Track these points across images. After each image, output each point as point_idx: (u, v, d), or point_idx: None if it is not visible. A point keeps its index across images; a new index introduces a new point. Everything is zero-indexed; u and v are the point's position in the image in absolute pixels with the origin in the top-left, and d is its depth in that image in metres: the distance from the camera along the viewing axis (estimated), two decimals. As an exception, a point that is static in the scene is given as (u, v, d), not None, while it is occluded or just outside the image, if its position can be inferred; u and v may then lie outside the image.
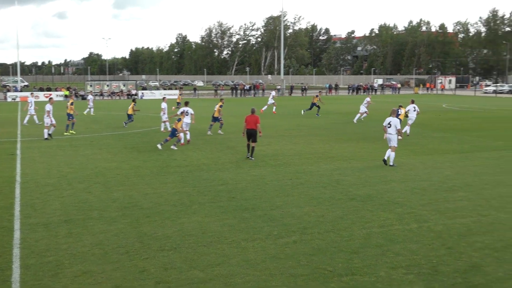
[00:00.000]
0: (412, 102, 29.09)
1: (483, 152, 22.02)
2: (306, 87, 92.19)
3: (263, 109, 43.61)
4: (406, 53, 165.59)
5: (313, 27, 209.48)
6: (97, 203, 13.44)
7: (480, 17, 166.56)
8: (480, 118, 38.80)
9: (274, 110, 43.68)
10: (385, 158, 18.74)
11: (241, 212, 12.58)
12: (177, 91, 78.14)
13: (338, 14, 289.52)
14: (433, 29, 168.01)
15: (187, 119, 24.84)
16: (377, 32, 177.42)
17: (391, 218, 12.05)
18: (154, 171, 17.66)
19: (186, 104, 25.61)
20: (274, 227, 11.38)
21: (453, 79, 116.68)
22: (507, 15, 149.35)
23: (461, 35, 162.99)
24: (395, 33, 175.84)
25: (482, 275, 8.76)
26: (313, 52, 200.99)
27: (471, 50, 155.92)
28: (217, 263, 9.32)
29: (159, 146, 22.74)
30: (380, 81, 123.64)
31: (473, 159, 20.17)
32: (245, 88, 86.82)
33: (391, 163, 18.54)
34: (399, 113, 27.30)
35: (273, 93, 46.71)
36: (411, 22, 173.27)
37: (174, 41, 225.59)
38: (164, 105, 28.88)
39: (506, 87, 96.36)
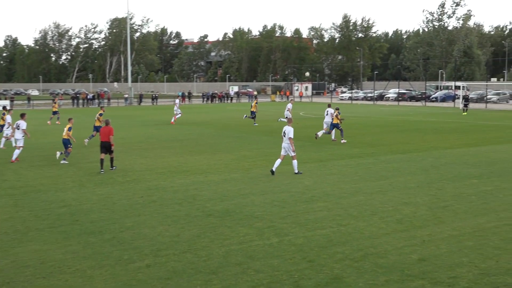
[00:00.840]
0: (329, 106, 31.47)
1: (340, 160, 23.34)
2: (157, 95, 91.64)
3: (173, 120, 43.66)
4: (261, 59, 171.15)
5: (163, 31, 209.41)
6: None
7: (333, 23, 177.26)
8: (337, 126, 41.06)
9: (173, 120, 43.93)
10: (273, 168, 19.60)
11: (86, 236, 12.14)
12: (7, 101, 73.70)
13: (190, 17, 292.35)
14: (288, 34, 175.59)
15: (18, 134, 23.62)
16: (231, 36, 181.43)
17: (250, 233, 12.31)
18: (-19, 195, 16.46)
19: (22, 116, 24.20)
20: (125, 251, 11.12)
21: (310, 85, 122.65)
22: (360, 21, 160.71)
23: (315, 41, 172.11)
24: (250, 37, 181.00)
25: (343, 287, 9.24)
26: (163, 57, 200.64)
27: (326, 56, 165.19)
28: (59, 296, 8.88)
29: (64, 162, 22.63)
30: (235, 89, 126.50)
31: (331, 167, 21.30)
32: (88, 97, 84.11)
33: (296, 171, 19.63)
34: (333, 115, 29.88)
35: (177, 101, 46.71)
36: (265, 26, 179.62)
37: (2, 44, 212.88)
38: (9, 118, 27.18)
39: (361, 94, 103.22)
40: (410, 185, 17.76)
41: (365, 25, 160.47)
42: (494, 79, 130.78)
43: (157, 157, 24.55)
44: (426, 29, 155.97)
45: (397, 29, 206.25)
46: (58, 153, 23.28)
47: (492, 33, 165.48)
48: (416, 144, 28.91)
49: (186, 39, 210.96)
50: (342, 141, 29.37)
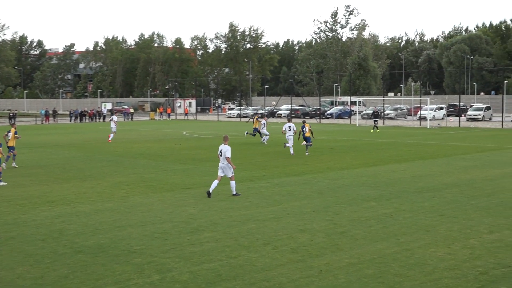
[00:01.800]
0: (289, 120, 36.16)
1: (228, 184, 23.43)
2: (15, 113, 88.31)
3: (110, 138, 45.91)
4: (139, 72, 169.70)
5: (22, 39, 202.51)
6: None
7: (217, 33, 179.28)
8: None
9: (110, 138, 46.14)
10: (210, 190, 20.41)
11: None
12: None
13: (53, 24, 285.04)
14: (168, 44, 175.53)
15: None
16: (102, 46, 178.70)
17: (128, 271, 12.09)
18: None
19: None
20: (-24, 298, 10.56)
21: (193, 102, 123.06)
22: (248, 31, 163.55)
23: (199, 52, 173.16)
24: (125, 48, 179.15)
25: (234, 327, 9.26)
26: (22, 70, 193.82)
27: (212, 68, 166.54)
28: None
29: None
30: (109, 105, 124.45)
31: (218, 193, 21.35)
32: None
33: (234, 192, 20.62)
34: (305, 130, 34.23)
35: (115, 118, 48.16)
36: (142, 35, 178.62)
37: None
38: None
39: (250, 110, 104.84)
40: (306, 210, 18.18)
41: (254, 35, 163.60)
42: (391, 94, 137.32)
43: (16, 186, 23.60)
44: (318, 40, 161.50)
45: (288, 40, 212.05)
46: None
47: (388, 44, 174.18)
48: (311, 165, 29.71)
49: (50, 49, 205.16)
50: (306, 154, 34.46)
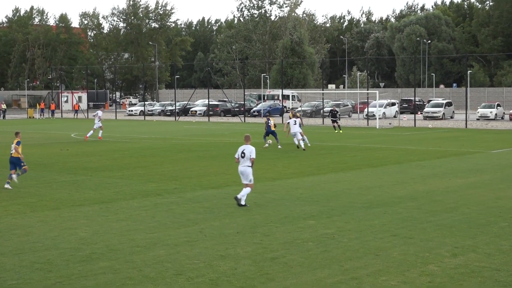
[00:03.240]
0: (294, 115, 42.01)
1: (130, 200, 23.29)
2: None
3: (88, 134, 50.03)
4: (13, 58, 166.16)
5: None
6: None
7: (113, 8, 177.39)
8: (124, 152, 40.97)
9: (100, 135, 50.31)
10: (242, 200, 21.54)
11: None
12: None
13: None
14: (52, 22, 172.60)
15: None
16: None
17: (0, 312, 11.83)
18: None
19: None
20: None
21: (84, 95, 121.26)
22: (153, 6, 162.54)
23: (91, 33, 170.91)
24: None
25: None
26: None
27: (107, 54, 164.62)
28: None
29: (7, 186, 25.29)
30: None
31: (117, 211, 21.16)
32: None
33: (243, 203, 21.45)
34: (270, 124, 41.03)
35: (100, 113, 50.91)
36: (17, 10, 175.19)
37: None
38: None
39: (157, 106, 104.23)
40: (228, 231, 18.18)
41: (161, 12, 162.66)
42: (332, 86, 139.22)
43: None
44: (242, 19, 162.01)
45: (203, 18, 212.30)
46: (14, 176, 25.64)
47: (327, 25, 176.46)
48: (233, 175, 29.67)
49: None
50: (266, 145, 41.58)
